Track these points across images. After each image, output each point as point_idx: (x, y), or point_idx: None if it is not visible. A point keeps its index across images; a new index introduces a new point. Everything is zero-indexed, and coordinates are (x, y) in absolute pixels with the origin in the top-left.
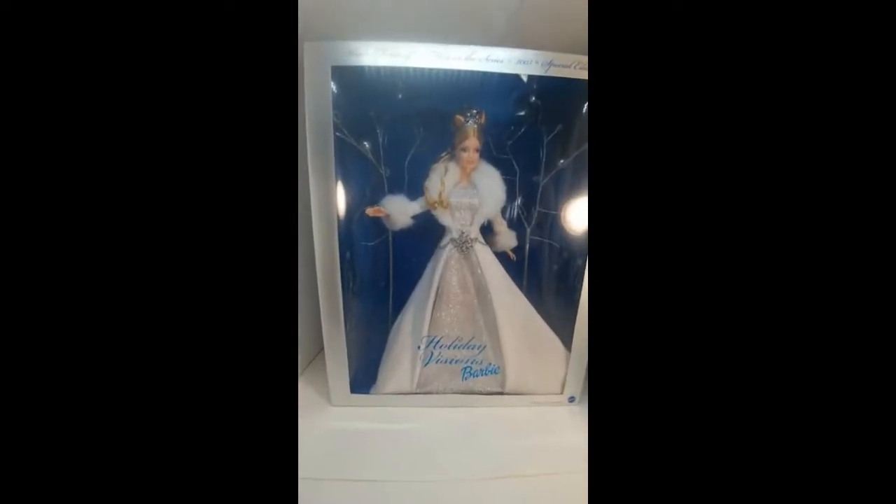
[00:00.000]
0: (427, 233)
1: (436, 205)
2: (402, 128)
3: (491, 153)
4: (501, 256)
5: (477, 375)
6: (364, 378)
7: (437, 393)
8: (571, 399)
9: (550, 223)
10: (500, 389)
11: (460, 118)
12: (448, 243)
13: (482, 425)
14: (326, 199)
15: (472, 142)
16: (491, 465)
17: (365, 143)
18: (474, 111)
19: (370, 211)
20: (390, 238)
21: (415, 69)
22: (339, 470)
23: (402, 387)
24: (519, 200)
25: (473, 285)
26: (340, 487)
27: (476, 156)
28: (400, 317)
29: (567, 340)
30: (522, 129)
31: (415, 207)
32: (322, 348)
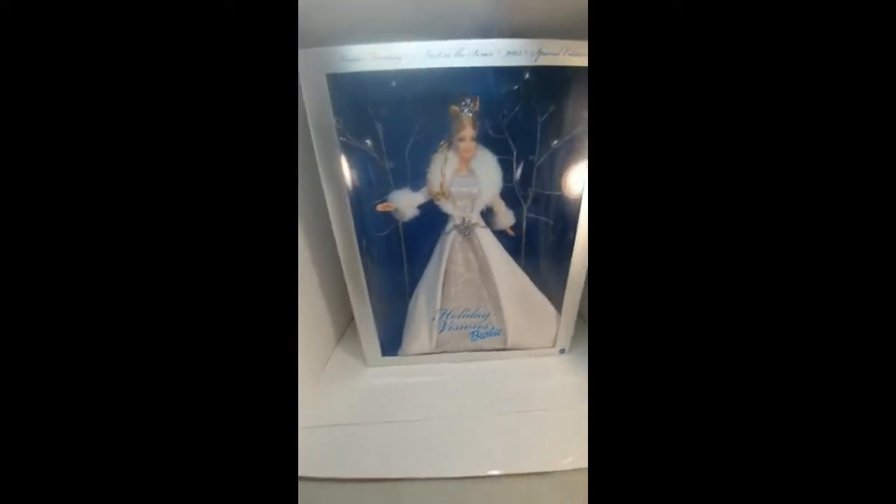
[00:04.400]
0: (433, 220)
1: (438, 196)
2: (400, 118)
3: (488, 134)
4: (501, 234)
5: (483, 337)
6: (391, 343)
7: (451, 352)
8: (562, 351)
9: (545, 201)
10: (503, 346)
11: (455, 109)
12: (452, 229)
13: (489, 374)
14: (339, 197)
15: (469, 131)
16: (497, 404)
17: (367, 140)
18: (468, 100)
19: (380, 207)
20: (400, 227)
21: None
22: (378, 415)
23: (423, 348)
24: (516, 179)
25: (476, 264)
26: (380, 429)
27: (473, 144)
28: (415, 294)
29: (558, 303)
30: (518, 108)
31: (419, 198)
32: (351, 320)
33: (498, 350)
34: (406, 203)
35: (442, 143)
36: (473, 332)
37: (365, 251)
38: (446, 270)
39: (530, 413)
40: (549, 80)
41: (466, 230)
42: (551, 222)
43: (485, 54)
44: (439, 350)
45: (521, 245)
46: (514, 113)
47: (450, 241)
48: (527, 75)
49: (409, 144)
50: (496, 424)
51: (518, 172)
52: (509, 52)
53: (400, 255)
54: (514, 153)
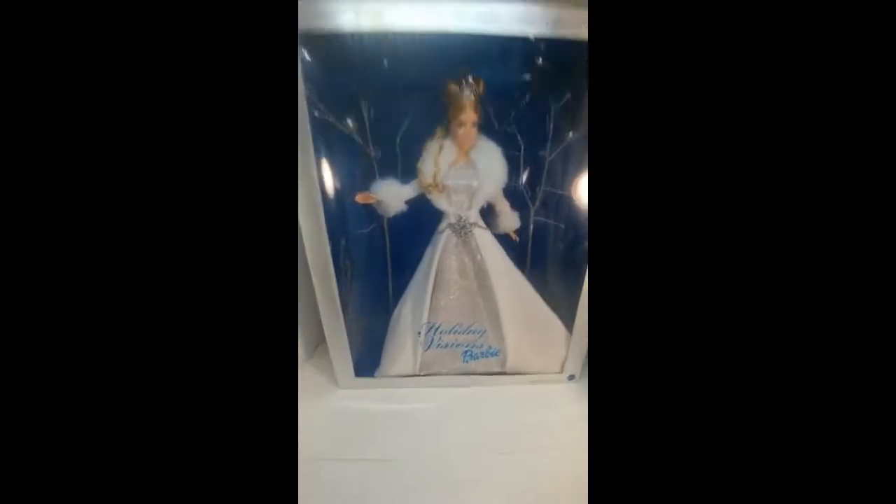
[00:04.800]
0: (424, 218)
1: (430, 188)
2: (390, 100)
3: (492, 126)
4: (503, 238)
5: (477, 358)
6: (368, 362)
7: (438, 374)
8: (571, 377)
9: (556, 202)
10: (500, 370)
11: (454, 87)
12: (446, 228)
13: (484, 403)
14: (308, 185)
15: (470, 115)
16: (493, 440)
17: (348, 120)
18: (471, 79)
19: (359, 198)
20: (385, 224)
21: (400, 32)
22: (348, 448)
23: (405, 370)
24: (523, 178)
25: (473, 270)
26: (349, 466)
27: (474, 131)
28: (400, 303)
29: (569, 321)
30: (528, 97)
31: (408, 191)
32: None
33: (495, 374)
34: (392, 195)
35: (438, 127)
36: (466, 352)
37: (342, 251)
38: (437, 276)
39: (532, 451)
40: (564, 61)
41: (462, 230)
42: (562, 227)
43: (491, 20)
44: (424, 372)
45: (526, 252)
46: (524, 99)
47: (442, 241)
48: (539, 60)
49: (401, 131)
50: (491, 463)
51: (525, 169)
52: (521, 19)
53: (383, 256)
54: (522, 146)
